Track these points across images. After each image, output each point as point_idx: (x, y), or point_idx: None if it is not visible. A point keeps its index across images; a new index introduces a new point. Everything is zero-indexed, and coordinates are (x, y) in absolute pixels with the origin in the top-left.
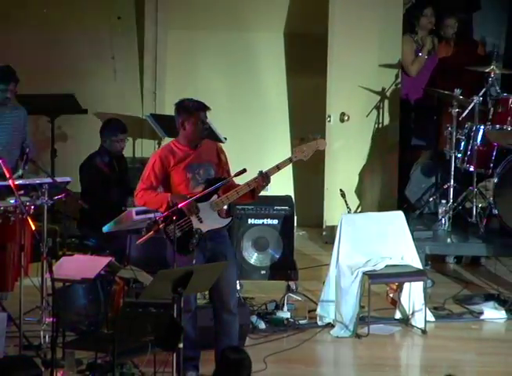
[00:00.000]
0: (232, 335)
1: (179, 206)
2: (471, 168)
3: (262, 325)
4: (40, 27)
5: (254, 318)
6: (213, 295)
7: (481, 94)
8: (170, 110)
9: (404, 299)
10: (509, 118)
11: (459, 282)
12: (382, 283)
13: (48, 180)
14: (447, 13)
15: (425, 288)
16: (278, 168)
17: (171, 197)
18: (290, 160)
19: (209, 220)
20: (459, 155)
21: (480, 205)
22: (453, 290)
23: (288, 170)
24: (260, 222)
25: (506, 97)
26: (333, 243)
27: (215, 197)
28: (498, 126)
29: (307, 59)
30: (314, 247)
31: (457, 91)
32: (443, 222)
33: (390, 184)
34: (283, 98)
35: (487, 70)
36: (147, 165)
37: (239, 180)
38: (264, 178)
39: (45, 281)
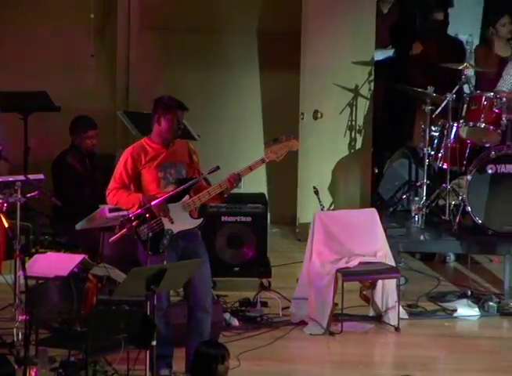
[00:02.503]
0: (204, 333)
1: (152, 204)
2: (444, 166)
3: (235, 322)
4: (13, 24)
5: (227, 315)
6: (188, 293)
7: (454, 91)
8: (142, 108)
9: (377, 297)
10: (482, 116)
11: (432, 279)
12: (355, 281)
13: (21, 178)
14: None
15: (398, 286)
16: (250, 168)
17: (142, 197)
18: (262, 160)
19: (180, 221)
20: (433, 152)
21: (453, 203)
22: (427, 287)
23: (261, 167)
24: (233, 219)
25: (479, 94)
26: (306, 240)
27: (187, 197)
28: (471, 123)
29: (280, 57)
30: (287, 244)
31: (430, 88)
32: (416, 219)
33: (363, 181)
34: (256, 96)
35: (460, 68)
36: (118, 163)
37: (212, 179)
38: (236, 179)
39: (18, 279)
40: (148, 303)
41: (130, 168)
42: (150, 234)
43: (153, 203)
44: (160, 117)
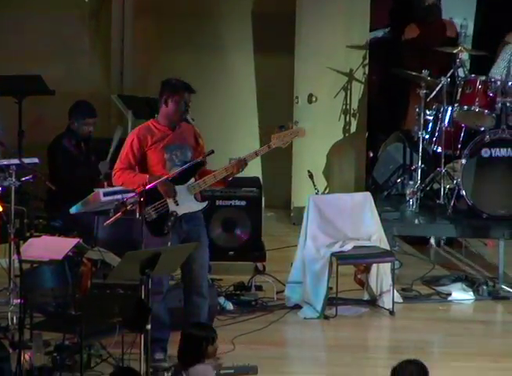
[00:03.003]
0: (201, 318)
1: (148, 187)
2: (439, 149)
3: (230, 306)
4: (7, 8)
5: (221, 299)
6: (185, 277)
7: (448, 75)
8: (137, 92)
9: (372, 280)
10: (477, 99)
11: (426, 263)
12: (350, 265)
13: (16, 161)
14: None
15: (393, 269)
16: (256, 154)
17: (149, 178)
18: (268, 146)
19: (185, 203)
20: (427, 136)
21: (447, 186)
22: (421, 271)
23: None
24: (228, 203)
25: (473, 78)
26: (300, 224)
27: (192, 180)
28: (466, 107)
29: (274, 40)
30: (282, 228)
31: (425, 72)
32: (411, 203)
33: (358, 165)
34: (251, 79)
35: (454, 52)
36: (125, 144)
37: (212, 165)
38: (242, 164)
39: (12, 262)
40: (142, 287)
41: (136, 149)
42: (155, 215)
43: (147, 186)
44: (168, 98)
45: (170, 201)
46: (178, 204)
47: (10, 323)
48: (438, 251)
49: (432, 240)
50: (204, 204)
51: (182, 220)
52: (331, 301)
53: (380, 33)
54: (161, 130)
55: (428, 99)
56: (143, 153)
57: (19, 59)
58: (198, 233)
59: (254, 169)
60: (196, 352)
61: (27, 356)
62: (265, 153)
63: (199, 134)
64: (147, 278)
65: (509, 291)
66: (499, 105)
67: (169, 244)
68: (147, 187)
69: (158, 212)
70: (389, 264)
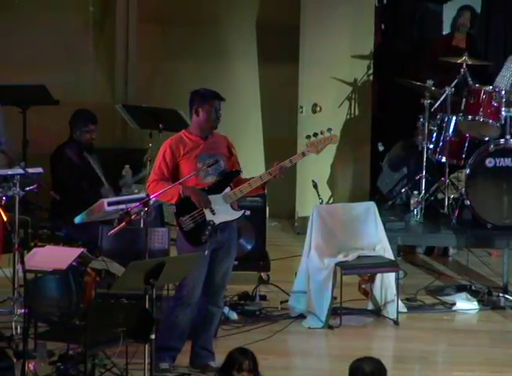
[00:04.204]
0: (212, 327)
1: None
2: (443, 159)
3: (234, 316)
4: (12, 17)
5: (226, 309)
6: (205, 286)
7: (453, 85)
8: (141, 101)
9: (376, 290)
10: (481, 109)
11: (431, 273)
12: (354, 274)
13: (20, 171)
14: None
15: (397, 279)
16: (290, 161)
17: (182, 188)
18: (302, 154)
19: (222, 212)
20: (432, 146)
21: (452, 196)
22: (425, 281)
23: (260, 161)
24: None
25: (478, 88)
26: (305, 234)
27: (228, 189)
28: (470, 117)
29: (279, 50)
30: (286, 238)
31: (429, 82)
32: (415, 213)
33: (362, 175)
34: (255, 89)
35: (459, 61)
36: (158, 155)
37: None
38: (282, 171)
39: (16, 272)
40: (147, 296)
41: (169, 160)
42: (192, 224)
43: (192, 197)
44: (198, 108)
45: (207, 211)
46: (214, 214)
47: (14, 332)
48: (442, 261)
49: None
50: (241, 212)
51: (217, 230)
52: (335, 310)
53: None
54: (193, 140)
55: (432, 109)
56: (176, 163)
57: (23, 68)
58: (229, 243)
59: None
60: (225, 371)
61: (31, 366)
62: (299, 160)
63: (232, 144)
64: (152, 288)
65: None
66: (504, 115)
67: (206, 252)
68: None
69: (195, 222)
70: (393, 274)
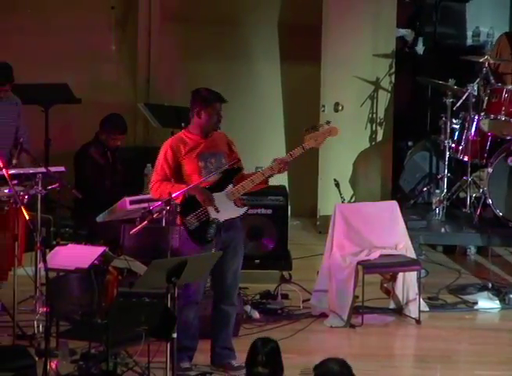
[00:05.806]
0: (230, 325)
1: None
2: (465, 158)
3: (256, 315)
4: (34, 15)
5: (247, 308)
6: (216, 285)
7: (475, 84)
8: (163, 100)
9: (398, 289)
10: (503, 108)
11: (453, 272)
12: (376, 273)
13: (42, 170)
14: None
15: (419, 278)
16: (291, 155)
17: (186, 188)
18: (302, 147)
19: (226, 210)
20: (454, 145)
21: (474, 195)
22: (447, 280)
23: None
24: (254, 211)
25: (500, 87)
26: (327, 232)
27: (230, 186)
28: (492, 116)
29: (301, 49)
30: (308, 236)
31: (451, 81)
32: (437, 211)
33: (384, 174)
34: (277, 88)
35: (481, 60)
36: (159, 156)
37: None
38: (283, 165)
39: (38, 271)
40: (169, 295)
41: (170, 160)
42: (197, 223)
43: (198, 197)
44: (201, 110)
45: (210, 209)
46: (218, 211)
47: (36, 331)
48: (464, 260)
49: (458, 249)
50: (244, 209)
51: (221, 229)
52: (357, 309)
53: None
54: (193, 139)
55: (455, 108)
56: (178, 163)
57: (46, 67)
58: (235, 242)
59: (280, 177)
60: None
61: (53, 365)
62: (298, 154)
63: (231, 141)
64: (173, 286)
65: None
66: None
67: (213, 250)
68: (173, 195)
69: (200, 220)
70: (415, 273)
